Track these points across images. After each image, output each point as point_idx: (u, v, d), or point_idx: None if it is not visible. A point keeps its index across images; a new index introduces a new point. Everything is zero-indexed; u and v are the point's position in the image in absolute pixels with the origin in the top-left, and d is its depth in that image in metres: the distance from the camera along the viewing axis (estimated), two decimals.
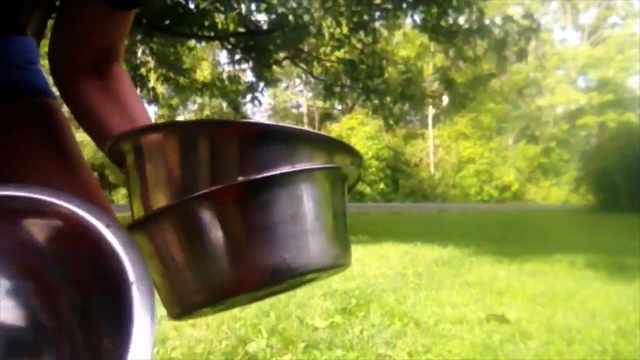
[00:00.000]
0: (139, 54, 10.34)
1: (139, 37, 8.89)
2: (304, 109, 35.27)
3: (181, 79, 10.11)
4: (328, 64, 9.94)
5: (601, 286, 3.46)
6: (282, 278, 0.47)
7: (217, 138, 0.47)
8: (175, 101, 26.93)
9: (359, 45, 9.31)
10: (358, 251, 4.84)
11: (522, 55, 9.36)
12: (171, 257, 0.48)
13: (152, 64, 10.06)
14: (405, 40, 21.52)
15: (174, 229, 0.47)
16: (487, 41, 9.16)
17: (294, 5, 9.00)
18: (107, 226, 0.39)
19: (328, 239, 0.49)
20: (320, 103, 31.23)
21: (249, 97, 10.58)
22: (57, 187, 0.42)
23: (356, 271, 3.62)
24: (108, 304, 0.38)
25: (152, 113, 30.19)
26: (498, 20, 9.72)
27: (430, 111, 30.78)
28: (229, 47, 9.64)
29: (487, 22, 9.18)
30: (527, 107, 33.70)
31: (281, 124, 0.48)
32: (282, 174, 0.46)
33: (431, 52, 26.39)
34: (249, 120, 0.62)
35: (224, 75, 11.61)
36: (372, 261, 4.26)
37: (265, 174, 0.45)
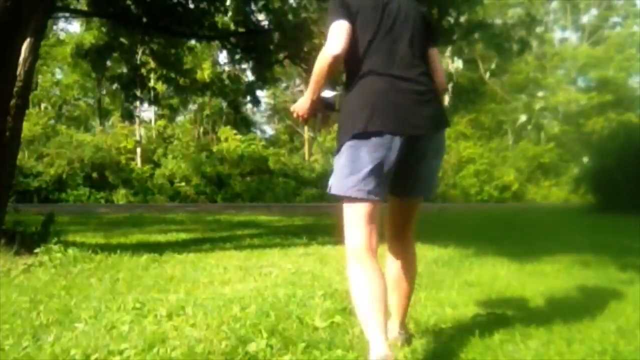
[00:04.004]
0: (139, 54, 10.33)
1: (139, 37, 8.89)
2: None
3: (181, 80, 10.09)
4: None
5: (601, 286, 3.46)
6: None
7: None
8: (175, 101, 26.96)
9: None
10: None
11: (523, 45, 9.20)
12: None
13: (152, 64, 10.04)
14: None
15: None
16: (487, 34, 9.02)
17: (294, 5, 8.99)
18: None
19: None
20: None
21: (249, 97, 10.58)
22: None
23: None
24: None
25: (152, 113, 30.10)
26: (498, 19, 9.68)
27: None
28: (229, 47, 9.63)
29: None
30: (527, 107, 33.67)
31: None
32: None
33: None
34: None
35: (224, 75, 11.60)
36: None
37: None
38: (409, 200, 2.05)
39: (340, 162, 1.84)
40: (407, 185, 1.97)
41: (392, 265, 2.07)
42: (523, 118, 32.77)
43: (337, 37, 1.83)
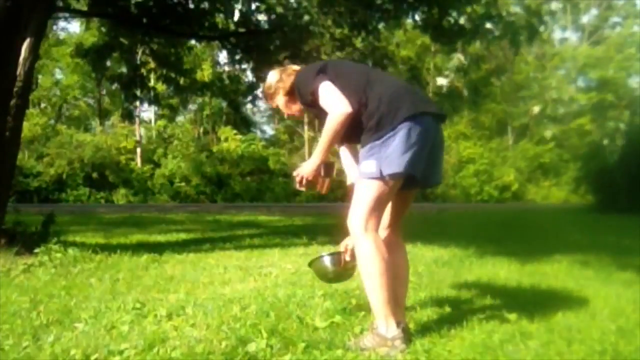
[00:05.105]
0: (139, 54, 10.33)
1: (139, 37, 8.88)
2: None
3: (181, 80, 10.09)
4: None
5: (601, 286, 3.45)
6: None
7: None
8: (175, 101, 26.95)
9: (360, 45, 9.29)
10: None
11: (533, 35, 9.10)
12: None
13: (152, 64, 10.04)
14: (405, 40, 21.50)
15: None
16: (498, 27, 8.90)
17: (294, 5, 8.98)
18: None
19: None
20: None
21: (249, 97, 10.59)
22: None
23: (356, 271, 3.62)
24: None
25: (152, 113, 30.10)
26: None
27: None
28: (229, 47, 9.63)
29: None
30: (527, 107, 33.67)
31: None
32: None
33: (432, 52, 26.36)
34: None
35: (224, 75, 11.59)
36: None
37: None
38: (414, 190, 2.22)
39: (394, 144, 1.94)
40: (430, 172, 2.09)
41: (391, 256, 2.09)
42: (536, 109, 32.67)
43: (337, 95, 1.98)
